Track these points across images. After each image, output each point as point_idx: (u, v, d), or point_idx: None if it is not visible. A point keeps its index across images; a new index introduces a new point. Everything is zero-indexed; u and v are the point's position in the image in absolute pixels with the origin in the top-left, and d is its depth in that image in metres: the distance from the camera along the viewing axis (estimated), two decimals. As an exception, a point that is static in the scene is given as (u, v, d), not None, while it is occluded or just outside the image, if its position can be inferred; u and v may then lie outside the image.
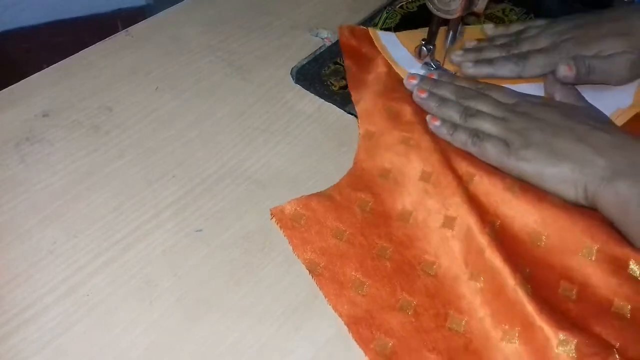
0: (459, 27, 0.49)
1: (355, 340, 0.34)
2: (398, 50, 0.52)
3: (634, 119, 0.45)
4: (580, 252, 0.36)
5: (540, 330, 0.32)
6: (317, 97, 0.49)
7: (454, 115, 0.43)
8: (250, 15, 0.58)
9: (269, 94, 0.49)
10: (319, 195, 0.40)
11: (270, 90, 0.49)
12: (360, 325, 0.34)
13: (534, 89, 0.47)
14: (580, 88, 0.46)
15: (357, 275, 0.36)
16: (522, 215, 0.38)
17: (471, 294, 0.35)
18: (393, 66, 0.50)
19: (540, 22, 0.51)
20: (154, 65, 0.51)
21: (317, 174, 0.43)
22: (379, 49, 0.52)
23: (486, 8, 0.47)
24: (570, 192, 0.38)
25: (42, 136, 0.44)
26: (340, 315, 0.35)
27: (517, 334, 0.33)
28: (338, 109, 0.48)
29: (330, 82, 0.49)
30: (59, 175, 0.42)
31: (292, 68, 0.51)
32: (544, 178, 0.38)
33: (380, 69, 0.49)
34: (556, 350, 0.31)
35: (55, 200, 0.40)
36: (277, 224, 0.39)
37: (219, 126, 0.46)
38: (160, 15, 0.58)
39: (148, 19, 0.57)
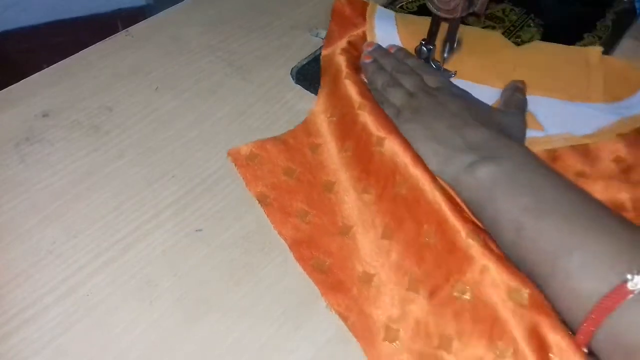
0: (458, 33, 0.49)
1: (296, 259, 0.37)
2: (386, 24, 0.53)
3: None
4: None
5: (453, 226, 0.35)
6: (317, 97, 0.49)
7: (379, 82, 0.46)
8: (250, 15, 0.58)
9: (269, 94, 0.49)
10: (274, 139, 0.44)
11: (270, 90, 0.49)
12: (302, 247, 0.38)
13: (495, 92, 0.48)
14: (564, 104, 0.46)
15: (303, 206, 0.40)
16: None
17: (398, 205, 0.38)
18: (368, 33, 0.51)
19: None
20: (154, 65, 0.51)
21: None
22: (367, 15, 0.53)
23: (486, 8, 0.47)
24: (435, 170, 0.39)
25: (42, 136, 0.44)
26: (285, 239, 0.38)
27: (434, 230, 0.36)
28: (338, 109, 0.48)
29: (330, 82, 0.49)
30: (59, 175, 0.42)
31: (292, 68, 0.51)
32: (417, 151, 0.40)
33: (357, 31, 0.52)
34: (466, 240, 0.34)
35: (55, 200, 0.40)
36: (233, 162, 0.43)
37: (219, 126, 0.46)
38: (160, 15, 0.58)
39: (148, 19, 0.57)
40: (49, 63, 0.50)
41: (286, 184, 0.41)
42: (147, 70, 0.51)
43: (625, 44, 0.55)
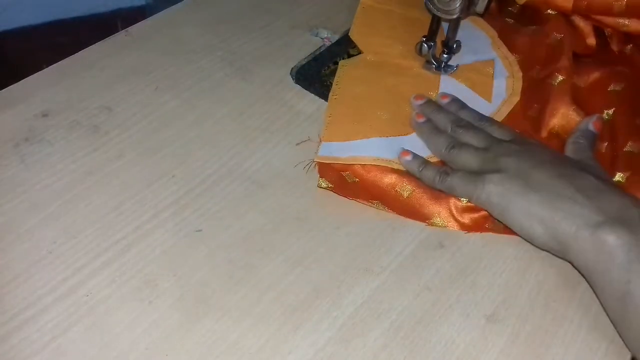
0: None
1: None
2: None
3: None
4: None
5: None
6: (317, 97, 0.49)
7: (441, 146, 0.41)
8: (250, 15, 0.58)
9: (269, 94, 0.49)
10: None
11: (270, 90, 0.49)
12: None
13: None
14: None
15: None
16: None
17: None
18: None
19: None
20: (154, 65, 0.51)
21: (316, 174, 0.42)
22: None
23: (486, 8, 0.47)
24: (536, 229, 0.35)
25: (42, 136, 0.44)
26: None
27: None
28: (338, 109, 0.48)
29: (330, 82, 0.49)
30: (59, 175, 0.42)
31: (292, 68, 0.51)
32: (510, 208, 0.35)
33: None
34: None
35: (55, 200, 0.40)
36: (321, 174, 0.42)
37: (219, 126, 0.46)
38: (160, 15, 0.58)
39: (148, 19, 0.57)
40: (49, 63, 0.50)
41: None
42: (147, 70, 0.51)
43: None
